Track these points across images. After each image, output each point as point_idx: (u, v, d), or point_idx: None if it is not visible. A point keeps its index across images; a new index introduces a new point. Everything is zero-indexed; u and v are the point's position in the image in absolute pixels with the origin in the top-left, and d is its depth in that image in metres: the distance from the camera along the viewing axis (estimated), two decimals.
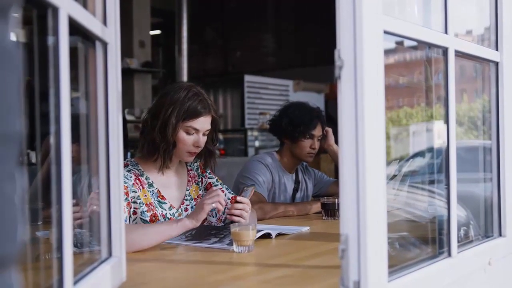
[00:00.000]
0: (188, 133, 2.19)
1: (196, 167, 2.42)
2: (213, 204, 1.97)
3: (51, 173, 1.03)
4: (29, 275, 1.16)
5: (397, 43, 1.47)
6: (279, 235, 2.17)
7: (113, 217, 1.37)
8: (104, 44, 1.35)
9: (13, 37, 0.58)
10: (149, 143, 2.20)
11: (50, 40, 1.02)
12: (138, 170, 2.21)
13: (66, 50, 1.03)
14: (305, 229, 2.34)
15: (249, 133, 7.49)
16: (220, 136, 7.76)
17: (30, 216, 1.12)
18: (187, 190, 2.34)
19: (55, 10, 1.00)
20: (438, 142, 1.95)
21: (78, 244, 1.34)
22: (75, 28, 1.12)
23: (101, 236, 1.36)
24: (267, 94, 8.19)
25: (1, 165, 0.54)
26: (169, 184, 2.29)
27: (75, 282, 1.09)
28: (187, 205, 2.32)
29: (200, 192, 2.38)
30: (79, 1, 1.18)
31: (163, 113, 2.16)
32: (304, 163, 3.19)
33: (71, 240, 1.03)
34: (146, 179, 2.22)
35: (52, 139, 1.02)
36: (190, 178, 2.37)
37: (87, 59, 1.35)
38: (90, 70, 1.35)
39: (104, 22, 1.35)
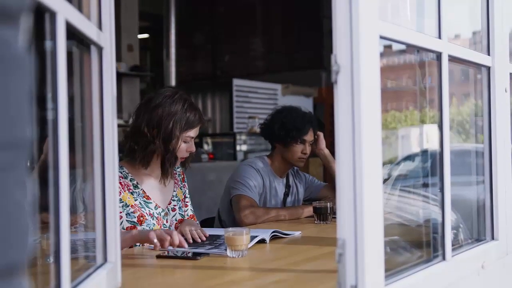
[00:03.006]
0: (185, 142, 2.29)
1: (178, 173, 2.49)
2: (155, 240, 1.90)
3: (43, 177, 1.02)
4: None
5: (385, 46, 1.48)
6: (273, 238, 2.17)
7: (108, 223, 1.37)
8: (99, 49, 1.34)
9: (23, 43, 0.58)
10: (150, 154, 2.25)
11: (47, 44, 1.01)
12: (121, 173, 2.23)
13: (64, 55, 1.02)
14: (298, 233, 2.34)
15: (238, 137, 7.47)
16: (209, 140, 7.75)
17: None
18: (174, 191, 2.42)
19: (53, 14, 0.99)
20: (428, 145, 1.96)
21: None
22: (71, 33, 1.11)
23: (96, 242, 1.35)
24: (256, 98, 8.19)
25: (12, 171, 0.53)
26: (155, 185, 2.34)
27: None
28: (174, 205, 2.39)
29: (183, 196, 2.47)
30: (74, 4, 1.17)
31: (164, 125, 2.21)
32: (295, 167, 3.19)
33: (68, 246, 1.02)
34: (130, 180, 2.27)
35: (49, 144, 1.01)
36: (176, 180, 2.45)
37: (82, 63, 1.34)
38: (85, 75, 1.34)
39: (100, 27, 1.34)
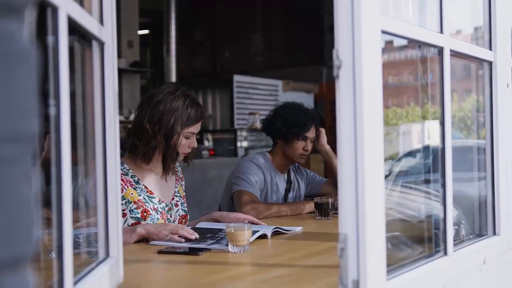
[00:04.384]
0: (186, 138, 2.30)
1: (179, 171, 2.52)
2: (168, 236, 2.03)
3: (44, 172, 1.02)
4: None
5: (386, 42, 1.47)
6: (274, 234, 2.18)
7: (110, 218, 1.37)
8: (101, 44, 1.34)
9: (27, 36, 0.58)
10: (151, 149, 2.26)
11: (49, 39, 1.01)
12: (122, 170, 2.24)
13: (66, 50, 1.02)
14: (299, 229, 2.34)
15: (238, 133, 7.47)
16: (209, 137, 7.75)
17: None
18: (176, 187, 2.44)
19: (55, 9, 0.99)
20: (430, 141, 1.96)
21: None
22: (72, 28, 1.11)
23: (98, 237, 1.36)
24: (256, 94, 8.19)
25: (17, 164, 0.54)
26: (157, 181, 2.36)
27: (75, 283, 1.08)
28: (176, 201, 2.41)
29: (183, 193, 2.49)
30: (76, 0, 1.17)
31: (165, 121, 2.23)
32: (296, 163, 3.19)
33: (71, 241, 1.02)
34: (131, 177, 2.28)
35: (51, 140, 1.01)
36: (177, 177, 2.47)
37: (83, 58, 1.34)
38: (86, 70, 1.34)
39: (101, 22, 1.34)
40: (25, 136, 0.55)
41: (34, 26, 0.63)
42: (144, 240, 2.11)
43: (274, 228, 2.19)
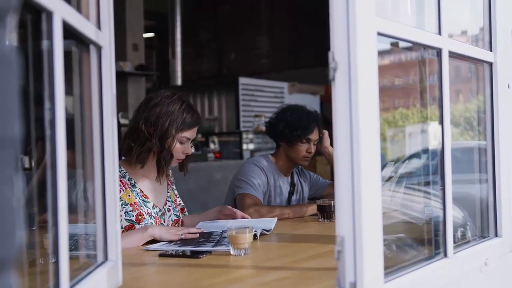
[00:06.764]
0: (181, 142, 2.32)
1: (170, 175, 2.55)
2: (182, 236, 2.12)
3: (46, 178, 1.03)
4: (25, 280, 1.15)
5: (392, 44, 1.47)
6: (261, 234, 2.21)
7: (108, 221, 1.37)
8: (99, 48, 1.34)
9: (10, 41, 0.58)
10: (146, 151, 2.28)
11: (44, 44, 1.02)
12: (120, 172, 2.25)
13: (61, 54, 1.02)
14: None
15: (244, 135, 7.47)
16: (215, 139, 7.75)
17: (26, 221, 1.11)
18: (168, 192, 2.47)
19: (49, 14, 0.99)
20: (434, 143, 1.95)
21: (72, 247, 1.33)
22: (69, 32, 1.12)
23: (97, 240, 1.36)
24: (262, 96, 8.18)
25: (0, 168, 0.54)
26: (151, 186, 2.38)
27: (71, 286, 1.08)
28: (169, 206, 2.44)
29: (175, 197, 2.52)
30: (73, 4, 1.18)
31: (160, 123, 2.25)
32: (300, 166, 3.19)
33: (67, 244, 1.03)
34: (128, 180, 2.31)
35: (47, 144, 1.01)
36: (169, 182, 2.50)
37: (81, 63, 1.34)
38: (84, 74, 1.35)
39: (98, 26, 1.35)
40: (8, 140, 0.56)
41: (17, 31, 0.63)
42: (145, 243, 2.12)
43: (261, 230, 2.23)
